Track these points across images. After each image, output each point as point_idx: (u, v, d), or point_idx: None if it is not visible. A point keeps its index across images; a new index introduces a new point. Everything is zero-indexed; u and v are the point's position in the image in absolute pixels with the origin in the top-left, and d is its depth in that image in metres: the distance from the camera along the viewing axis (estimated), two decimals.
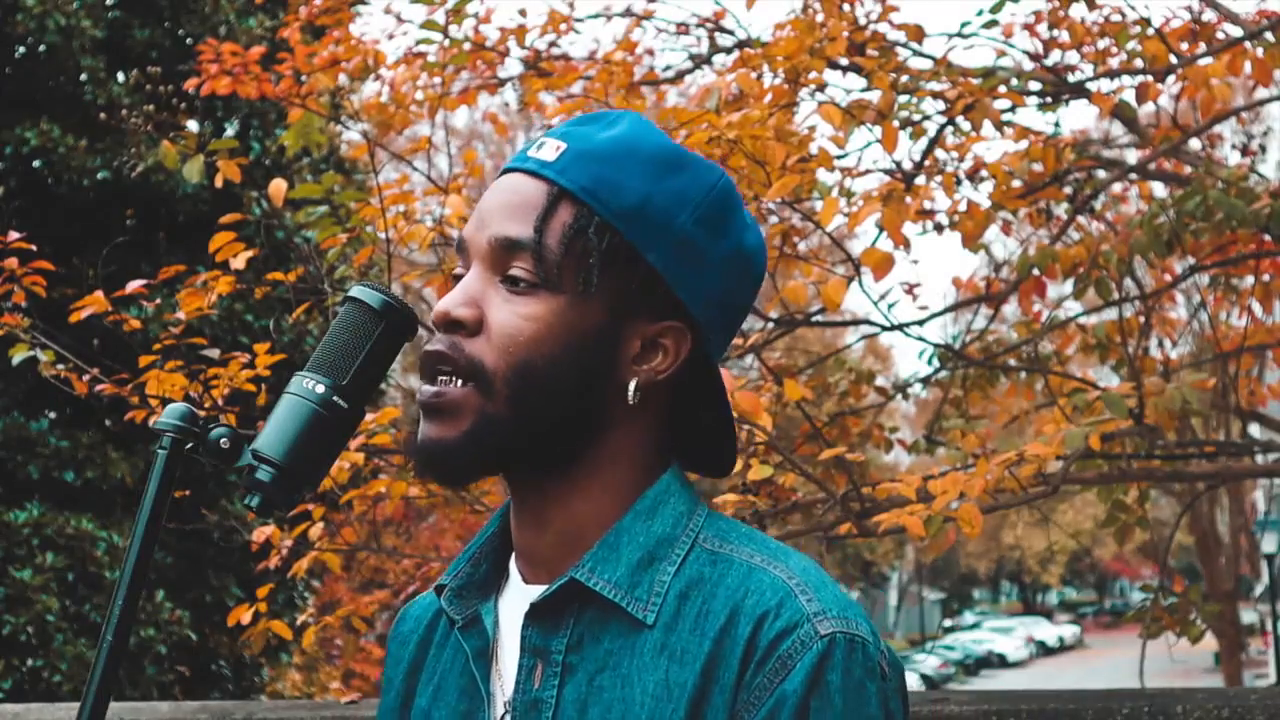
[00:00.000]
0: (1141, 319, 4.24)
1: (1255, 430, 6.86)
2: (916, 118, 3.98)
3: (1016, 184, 3.82)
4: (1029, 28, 4.66)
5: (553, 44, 4.91)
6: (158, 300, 3.62)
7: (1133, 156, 5.71)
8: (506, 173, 1.19)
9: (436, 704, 1.23)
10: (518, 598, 1.19)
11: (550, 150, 1.16)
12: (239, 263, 3.33)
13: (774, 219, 3.98)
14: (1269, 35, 4.02)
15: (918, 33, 4.38)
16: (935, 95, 3.79)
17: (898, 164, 3.91)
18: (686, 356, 1.17)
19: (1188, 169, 4.50)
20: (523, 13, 4.82)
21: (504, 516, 1.24)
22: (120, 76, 9.75)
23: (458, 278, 1.19)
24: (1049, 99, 4.52)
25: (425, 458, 1.15)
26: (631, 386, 1.15)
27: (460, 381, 1.13)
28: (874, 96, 3.59)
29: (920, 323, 4.14)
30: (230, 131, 9.97)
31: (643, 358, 1.16)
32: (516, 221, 1.14)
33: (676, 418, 1.21)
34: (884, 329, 4.07)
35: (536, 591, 1.17)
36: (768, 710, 1.07)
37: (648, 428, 1.19)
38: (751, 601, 1.10)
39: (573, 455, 1.16)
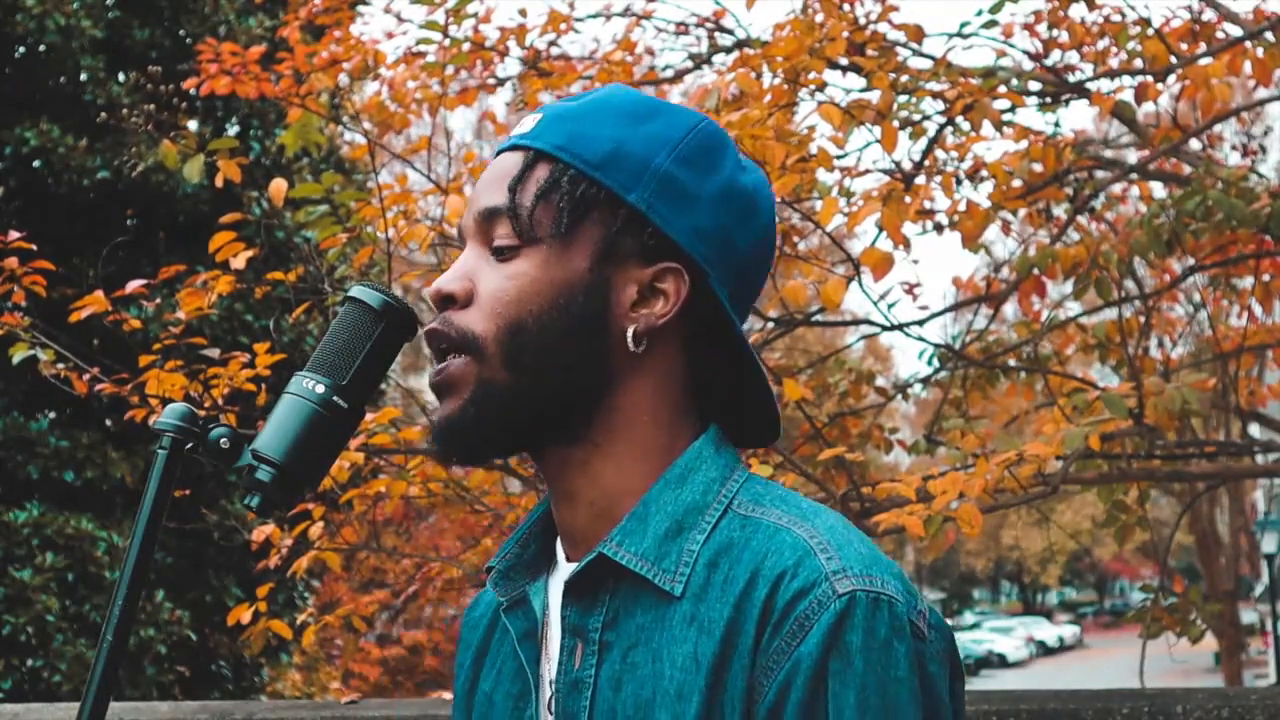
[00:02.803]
0: (1141, 319, 4.24)
1: (1255, 430, 6.86)
2: (916, 118, 3.98)
3: (1016, 184, 3.82)
4: (1029, 28, 4.66)
5: (552, 44, 4.91)
6: (158, 300, 3.62)
7: (1133, 156, 5.71)
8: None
9: (497, 687, 1.22)
10: (560, 577, 1.18)
11: (529, 123, 1.19)
12: (239, 263, 3.33)
13: None
14: (1269, 35, 4.02)
15: (917, 33, 4.38)
16: (935, 95, 3.79)
17: (897, 164, 3.91)
18: (687, 299, 1.14)
19: (1188, 169, 4.50)
20: (523, 12, 4.82)
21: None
22: (120, 76, 9.75)
23: None
24: (1049, 99, 4.51)
25: (438, 437, 1.15)
26: (630, 333, 1.13)
27: (457, 354, 1.14)
28: (874, 96, 3.59)
29: (920, 323, 4.14)
30: (230, 132, 9.97)
31: (641, 303, 1.14)
32: (494, 191, 1.16)
33: (699, 375, 1.18)
34: (884, 329, 4.07)
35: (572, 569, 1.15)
36: (784, 675, 1.02)
37: (660, 383, 1.16)
38: (770, 563, 1.06)
39: (586, 416, 1.14)
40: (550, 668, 1.16)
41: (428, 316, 1.20)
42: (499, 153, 1.21)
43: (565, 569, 1.18)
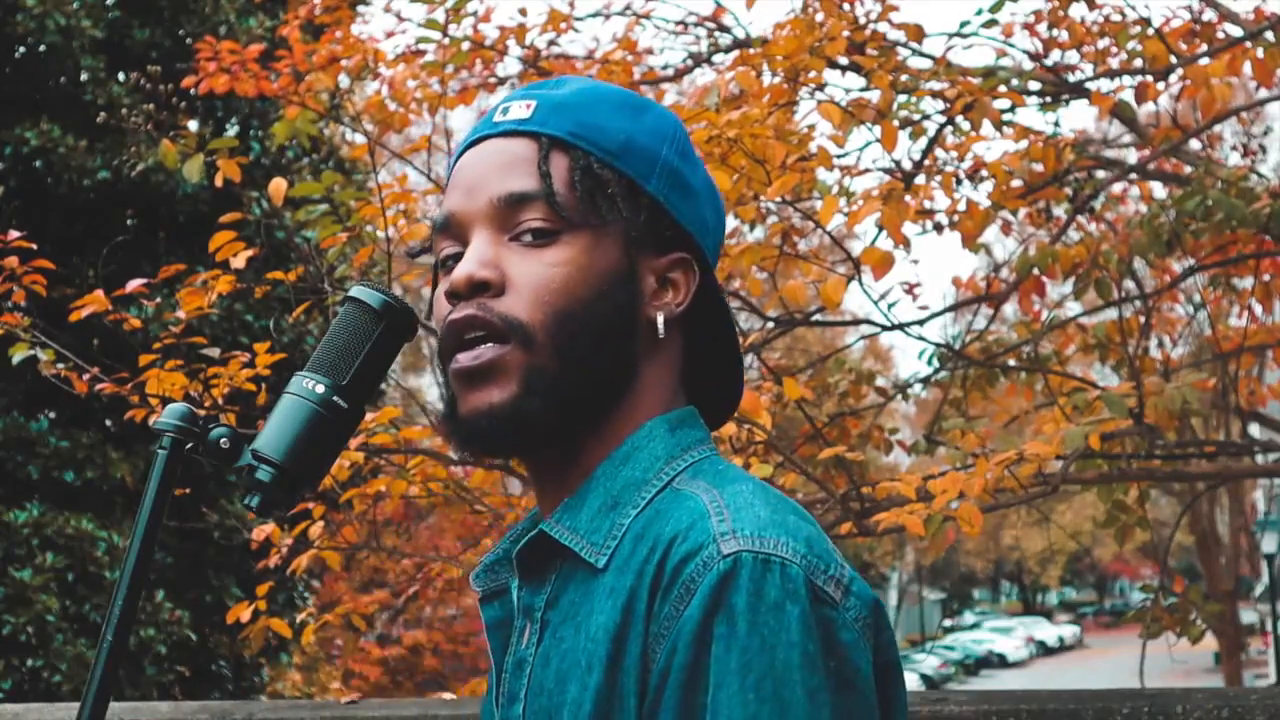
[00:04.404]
0: (1141, 319, 4.24)
1: (1255, 430, 6.86)
2: (916, 117, 3.98)
3: (1016, 184, 3.82)
4: (1029, 27, 4.66)
5: (552, 43, 4.92)
6: (158, 300, 3.62)
7: (1133, 156, 5.71)
8: (476, 144, 1.18)
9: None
10: None
11: (521, 109, 1.17)
12: (239, 262, 3.32)
13: (773, 218, 3.98)
14: (1269, 35, 4.02)
15: (917, 32, 4.38)
16: (935, 95, 3.79)
17: (897, 163, 3.91)
18: (697, 288, 1.17)
19: (1188, 169, 4.50)
20: (523, 11, 4.82)
21: None
22: (120, 76, 9.75)
23: (447, 260, 1.17)
24: (1049, 99, 4.52)
25: (476, 428, 1.11)
26: (660, 320, 1.14)
27: (497, 342, 1.10)
28: (874, 96, 3.59)
29: (920, 323, 4.14)
30: (230, 132, 9.97)
31: (659, 294, 1.16)
32: (517, 176, 1.13)
33: (692, 358, 1.20)
34: (884, 329, 4.07)
35: None
36: (671, 641, 0.99)
37: (667, 369, 1.17)
38: (668, 529, 1.04)
39: (613, 406, 1.14)
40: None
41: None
42: (481, 138, 1.18)
43: None
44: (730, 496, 1.05)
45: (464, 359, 1.11)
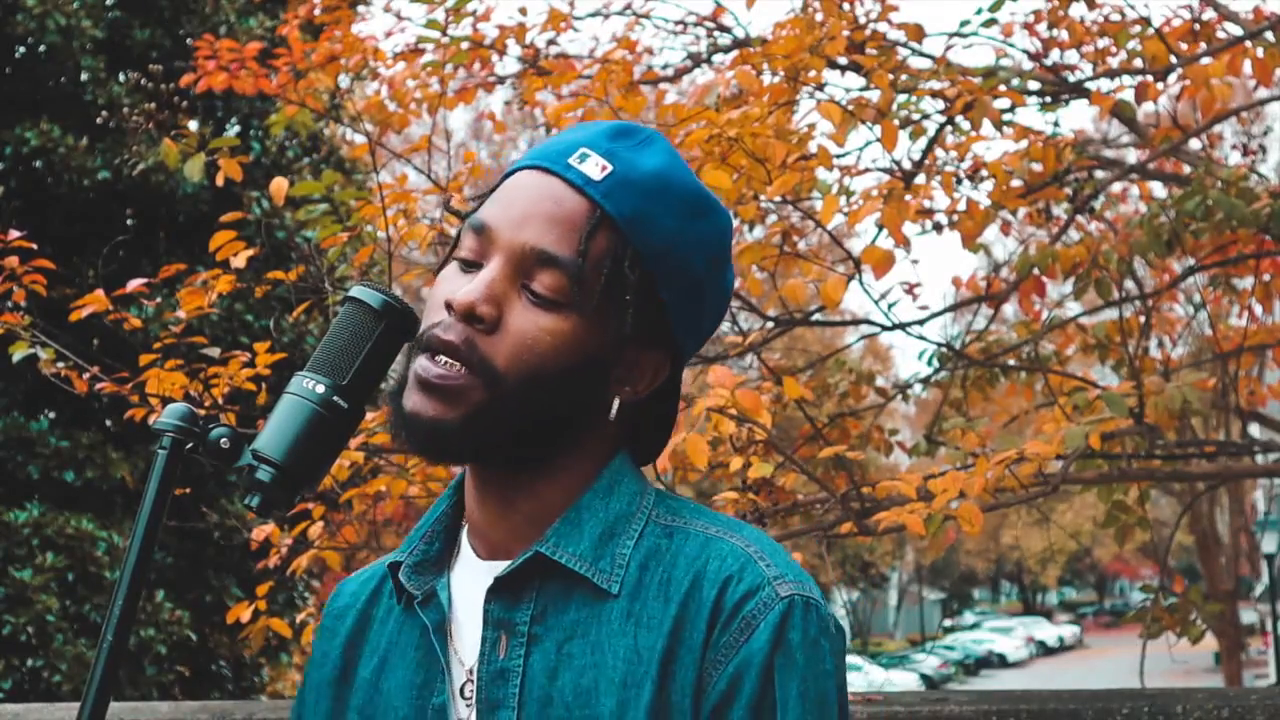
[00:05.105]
0: (1141, 319, 4.24)
1: (1255, 430, 6.86)
2: (916, 117, 3.98)
3: (1016, 184, 3.82)
4: (1029, 27, 4.66)
5: (551, 42, 4.91)
6: (158, 299, 3.62)
7: (1133, 156, 5.71)
8: (538, 169, 1.20)
9: (385, 675, 1.25)
10: (471, 573, 1.24)
11: (595, 168, 1.19)
12: (239, 261, 3.32)
13: (773, 217, 3.98)
14: (1269, 35, 4.02)
15: (917, 32, 4.38)
16: (935, 94, 3.79)
17: (897, 163, 3.92)
18: (663, 380, 1.25)
19: (1188, 169, 4.50)
20: (522, 11, 4.82)
21: (455, 494, 1.28)
22: (120, 76, 9.75)
23: (466, 262, 1.20)
24: (1049, 99, 4.52)
25: (415, 430, 1.17)
26: (615, 405, 1.22)
27: (468, 371, 1.15)
28: (873, 96, 3.59)
29: (920, 323, 4.14)
30: (230, 132, 9.97)
31: (628, 376, 1.23)
32: (556, 236, 1.17)
33: (641, 419, 1.29)
34: (884, 329, 4.07)
35: (495, 566, 1.21)
36: (734, 668, 1.14)
37: (616, 432, 1.25)
38: (714, 567, 1.17)
39: (549, 453, 1.21)
40: (461, 657, 1.22)
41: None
42: (546, 169, 1.20)
43: (478, 565, 1.24)
44: (757, 541, 1.21)
45: (432, 369, 1.16)
